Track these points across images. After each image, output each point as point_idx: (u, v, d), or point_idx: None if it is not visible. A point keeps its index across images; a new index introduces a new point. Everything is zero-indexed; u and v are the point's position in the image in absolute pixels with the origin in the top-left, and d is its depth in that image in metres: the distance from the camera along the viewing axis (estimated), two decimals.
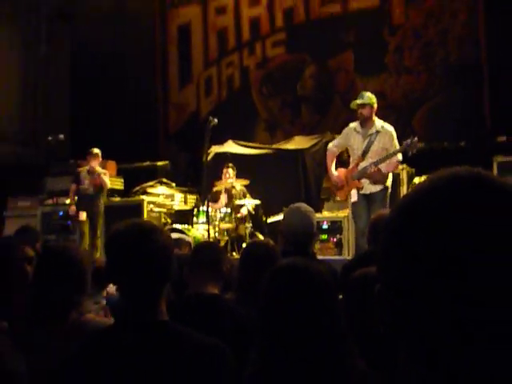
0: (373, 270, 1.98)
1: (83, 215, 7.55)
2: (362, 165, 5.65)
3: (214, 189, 8.00)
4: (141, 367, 1.55)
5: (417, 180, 7.27)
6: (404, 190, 7.14)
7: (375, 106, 5.72)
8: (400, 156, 5.69)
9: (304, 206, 3.64)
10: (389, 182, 5.69)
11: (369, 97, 5.71)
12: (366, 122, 5.70)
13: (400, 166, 7.16)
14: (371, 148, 5.67)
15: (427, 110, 8.73)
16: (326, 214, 7.61)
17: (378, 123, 5.73)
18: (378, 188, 5.63)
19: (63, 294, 1.99)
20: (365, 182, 5.68)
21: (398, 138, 7.27)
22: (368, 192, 5.67)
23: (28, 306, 2.14)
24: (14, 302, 2.15)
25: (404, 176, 7.21)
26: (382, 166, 5.60)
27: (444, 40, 8.74)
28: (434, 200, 0.66)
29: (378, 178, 5.59)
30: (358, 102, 5.68)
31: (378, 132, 5.67)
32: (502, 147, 7.26)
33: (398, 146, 5.64)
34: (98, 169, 7.74)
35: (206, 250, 2.92)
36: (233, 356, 1.66)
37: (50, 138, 7.47)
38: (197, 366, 1.56)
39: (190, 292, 2.77)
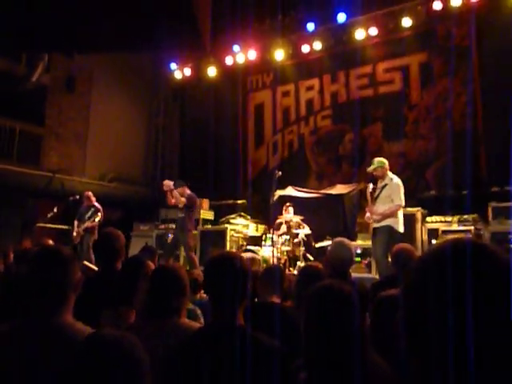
0: (395, 292, 1.95)
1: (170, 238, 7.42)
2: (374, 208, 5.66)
3: (277, 221, 8.01)
4: (221, 362, 1.52)
5: (429, 219, 7.06)
6: (419, 227, 6.94)
7: (385, 166, 5.69)
8: (398, 201, 5.52)
9: (346, 240, 3.58)
10: (389, 221, 5.50)
11: (378, 161, 5.74)
12: (380, 179, 5.71)
13: (415, 209, 7.00)
14: (379, 196, 5.64)
15: (437, 167, 8.51)
16: (359, 242, 7.48)
17: (389, 177, 5.67)
18: (379, 225, 5.55)
19: (169, 301, 1.93)
20: (375, 219, 5.61)
21: (413, 187, 7.10)
22: (374, 227, 5.63)
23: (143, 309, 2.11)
24: (135, 304, 2.14)
25: (419, 216, 7.01)
26: (381, 209, 5.55)
27: (450, 114, 8.55)
28: (439, 261, 0.68)
29: (375, 217, 5.59)
30: (370, 169, 5.74)
31: (386, 184, 5.64)
32: (496, 195, 6.97)
33: (401, 196, 5.54)
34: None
35: (273, 271, 2.93)
36: (288, 355, 1.63)
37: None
38: (262, 362, 1.54)
39: (260, 301, 2.79)
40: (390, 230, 5.46)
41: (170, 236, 7.38)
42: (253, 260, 6.99)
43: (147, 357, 1.04)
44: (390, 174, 5.73)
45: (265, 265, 6.81)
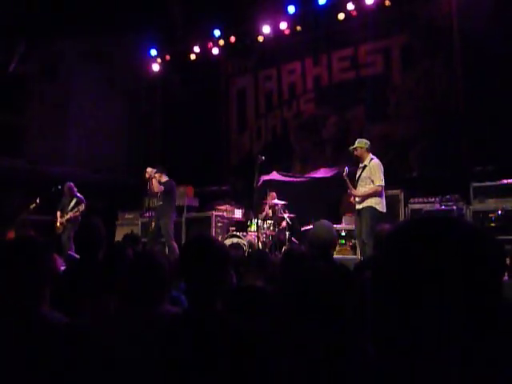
0: None
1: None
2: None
3: (263, 206, 8.01)
4: (199, 349, 1.49)
5: (411, 200, 7.11)
6: (402, 208, 7.00)
7: (364, 147, 5.73)
8: (378, 182, 5.55)
9: (327, 221, 3.57)
10: (371, 202, 5.54)
11: (358, 142, 5.78)
12: (360, 159, 5.77)
13: (398, 190, 7.07)
14: (360, 177, 5.70)
15: (419, 148, 8.54)
16: (344, 224, 7.51)
17: (369, 158, 5.70)
18: (361, 206, 5.60)
19: (148, 289, 1.85)
20: (357, 201, 5.66)
21: (395, 168, 7.13)
22: (357, 208, 5.69)
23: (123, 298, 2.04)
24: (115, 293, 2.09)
25: (402, 197, 7.07)
26: (361, 190, 5.62)
27: (432, 96, 8.57)
28: (412, 234, 0.67)
29: (357, 198, 5.66)
30: (351, 148, 5.81)
31: (365, 166, 5.69)
32: (478, 175, 7.04)
33: (380, 176, 5.56)
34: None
35: (258, 255, 2.93)
36: (269, 339, 1.59)
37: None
38: (240, 347, 1.51)
39: (245, 284, 2.79)
40: (373, 210, 5.51)
41: (153, 224, 7.32)
42: (238, 245, 7.02)
43: None
44: (370, 155, 5.76)
45: (250, 250, 6.82)
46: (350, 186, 5.73)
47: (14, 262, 1.49)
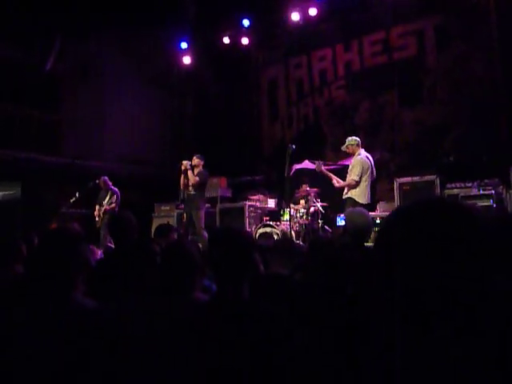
0: None
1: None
2: None
3: (296, 195, 8.00)
4: (225, 336, 1.52)
5: (448, 185, 6.92)
6: (438, 193, 6.82)
7: (355, 143, 6.08)
8: (352, 176, 5.86)
9: (362, 208, 3.63)
10: (351, 193, 5.87)
11: (348, 141, 6.14)
12: (351, 155, 6.13)
13: (434, 176, 6.93)
14: (348, 169, 6.09)
15: (456, 132, 8.29)
16: (379, 212, 7.42)
17: (356, 154, 6.03)
18: (344, 197, 5.98)
19: (180, 278, 1.92)
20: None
21: (431, 154, 6.98)
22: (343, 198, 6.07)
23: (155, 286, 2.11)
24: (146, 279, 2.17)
25: (438, 182, 6.90)
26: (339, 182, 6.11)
27: (468, 79, 8.29)
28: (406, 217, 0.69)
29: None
30: (343, 147, 6.18)
31: (352, 161, 6.05)
32: None
33: (356, 172, 5.85)
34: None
35: (283, 244, 2.96)
36: (291, 323, 1.62)
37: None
38: (266, 333, 1.53)
39: (270, 271, 2.82)
40: (353, 201, 5.80)
41: (185, 215, 7.41)
42: (269, 235, 7.06)
43: None
44: (360, 151, 6.04)
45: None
46: (332, 176, 6.17)
47: (50, 250, 1.59)
